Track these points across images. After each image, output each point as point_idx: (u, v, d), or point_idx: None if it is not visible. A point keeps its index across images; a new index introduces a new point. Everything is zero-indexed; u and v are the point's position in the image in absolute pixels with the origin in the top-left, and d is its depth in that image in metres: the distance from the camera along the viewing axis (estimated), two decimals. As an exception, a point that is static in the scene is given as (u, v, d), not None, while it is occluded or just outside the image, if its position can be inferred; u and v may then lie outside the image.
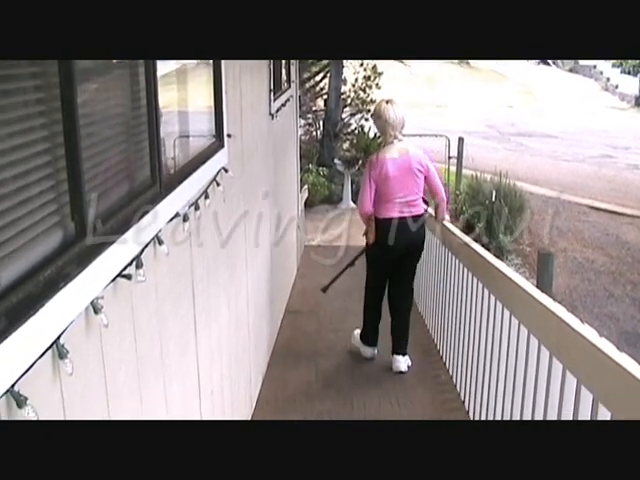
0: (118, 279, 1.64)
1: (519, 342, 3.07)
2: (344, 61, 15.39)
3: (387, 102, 4.69)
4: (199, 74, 3.03)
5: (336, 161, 14.20)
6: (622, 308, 10.12)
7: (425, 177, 4.61)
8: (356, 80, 16.03)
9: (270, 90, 5.17)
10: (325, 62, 16.51)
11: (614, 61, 35.77)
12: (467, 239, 4.58)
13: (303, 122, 15.82)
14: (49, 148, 1.42)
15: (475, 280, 4.10)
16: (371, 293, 5.06)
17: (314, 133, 16.37)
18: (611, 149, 21.32)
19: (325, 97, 16.00)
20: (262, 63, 4.82)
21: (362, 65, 15.91)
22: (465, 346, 4.36)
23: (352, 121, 15.93)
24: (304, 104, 15.38)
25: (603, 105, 32.76)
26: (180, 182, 2.22)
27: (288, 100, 6.72)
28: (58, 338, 1.29)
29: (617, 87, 34.92)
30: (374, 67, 15.89)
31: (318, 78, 16.98)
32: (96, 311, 1.46)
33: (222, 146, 2.98)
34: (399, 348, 4.90)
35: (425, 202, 4.76)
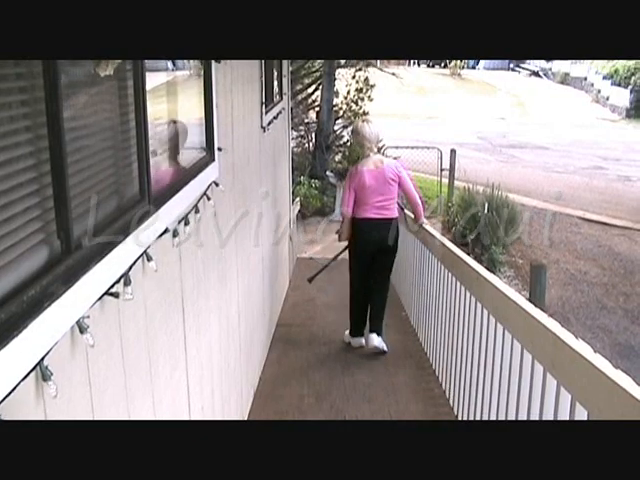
0: (105, 297, 1.60)
1: (512, 357, 3.05)
2: (336, 73, 15.42)
3: (363, 120, 5.55)
4: (190, 86, 3.01)
5: (328, 173, 14.21)
6: (615, 320, 10.11)
7: (399, 184, 5.29)
8: (348, 92, 16.06)
9: (262, 103, 5.15)
10: (317, 74, 16.55)
11: (605, 73, 35.95)
12: (456, 249, 4.62)
13: (295, 134, 15.82)
14: (34, 164, 1.39)
15: (467, 293, 4.08)
16: (354, 289, 5.68)
17: (306, 145, 16.36)
18: (602, 160, 21.39)
19: (317, 109, 16.00)
20: (254, 75, 4.80)
21: (354, 77, 15.94)
22: (458, 360, 4.33)
23: (344, 133, 15.94)
24: (296, 116, 15.38)
25: (594, 117, 32.91)
26: (170, 197, 2.19)
27: (280, 112, 6.70)
28: (42, 360, 1.26)
29: (608, 99, 35.07)
30: (366, 79, 15.93)
31: (310, 90, 17.00)
32: (82, 331, 1.43)
33: (213, 160, 2.96)
34: (374, 327, 5.55)
35: (400, 207, 5.65)
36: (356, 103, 15.93)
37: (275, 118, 6.11)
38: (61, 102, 1.40)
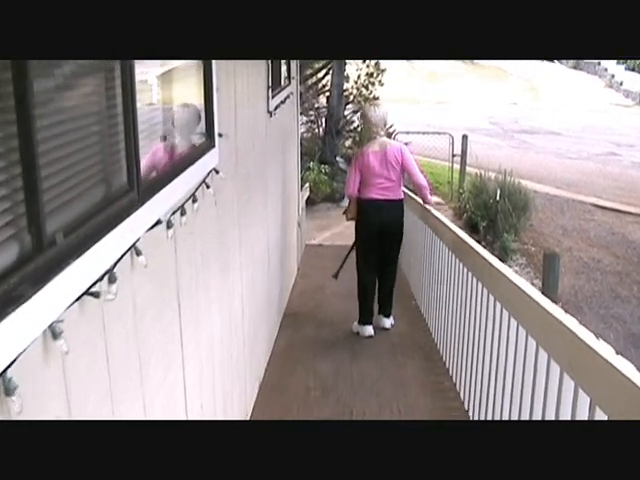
0: (86, 297, 1.47)
1: (527, 354, 2.91)
2: (346, 57, 15.21)
3: (371, 104, 6.16)
4: (189, 69, 2.86)
5: (338, 159, 14.03)
6: (629, 309, 9.93)
7: (402, 166, 5.39)
8: (358, 77, 15.83)
9: (268, 87, 5.00)
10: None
11: (619, 58, 35.54)
12: (467, 238, 4.48)
13: (305, 119, 15.63)
14: (1, 153, 1.25)
15: (480, 285, 3.92)
16: (362, 274, 5.72)
17: (316, 130, 16.17)
18: (615, 146, 21.12)
19: (327, 94, 15.79)
20: (259, 59, 4.65)
21: (364, 62, 15.71)
22: (469, 353, 4.19)
23: (354, 118, 15.73)
24: (306, 101, 15.19)
25: (607, 102, 32.55)
26: (162, 186, 2.05)
27: (288, 97, 6.54)
28: (4, 371, 1.13)
29: (622, 84, 34.69)
30: (377, 64, 15.70)
31: (320, 75, 16.77)
32: (55, 336, 1.30)
33: (213, 146, 2.81)
34: (384, 311, 5.80)
35: (406, 190, 5.88)
36: (367, 88, 15.70)
37: (283, 102, 5.96)
38: (30, 83, 1.26)
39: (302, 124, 15.33)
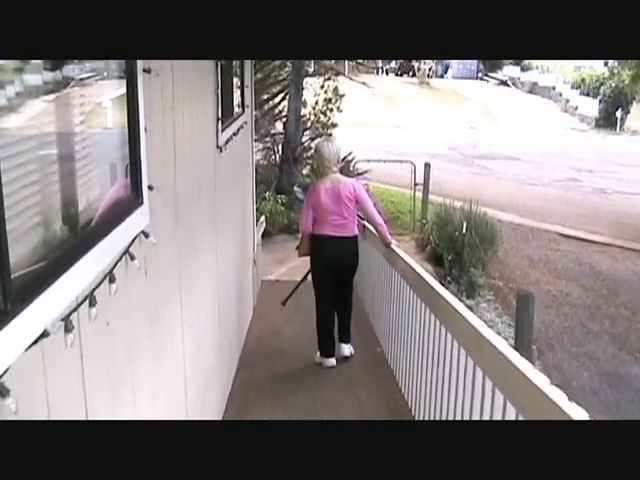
0: None
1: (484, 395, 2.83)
2: (304, 82, 14.72)
3: (325, 140, 5.83)
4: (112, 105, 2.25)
5: (295, 188, 13.47)
6: (601, 346, 9.50)
7: (357, 203, 5.36)
8: (316, 103, 15.35)
9: (218, 119, 4.40)
10: (284, 83, 15.83)
11: (573, 82, 35.81)
12: (434, 282, 4.18)
13: (261, 146, 15.08)
14: None
15: (451, 337, 3.56)
16: (320, 308, 5.67)
17: (273, 157, 15.61)
18: (576, 172, 20.99)
19: (284, 120, 15.26)
20: (207, 87, 4.06)
21: (323, 87, 15.24)
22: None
23: (312, 145, 15.22)
24: (262, 127, 14.65)
25: (564, 127, 32.75)
26: (53, 280, 1.43)
27: (242, 127, 5.96)
28: None
29: (577, 109, 34.96)
30: (335, 89, 15.24)
31: (277, 100, 16.26)
32: None
33: (140, 203, 2.19)
34: (343, 337, 5.81)
35: (360, 226, 5.89)
36: (325, 114, 15.23)
37: (235, 134, 5.37)
38: None
39: (258, 151, 14.77)
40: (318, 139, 14.87)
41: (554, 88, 37.94)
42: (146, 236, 2.25)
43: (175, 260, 2.97)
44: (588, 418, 2.00)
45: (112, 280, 1.90)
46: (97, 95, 2.09)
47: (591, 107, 33.59)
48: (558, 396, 2.14)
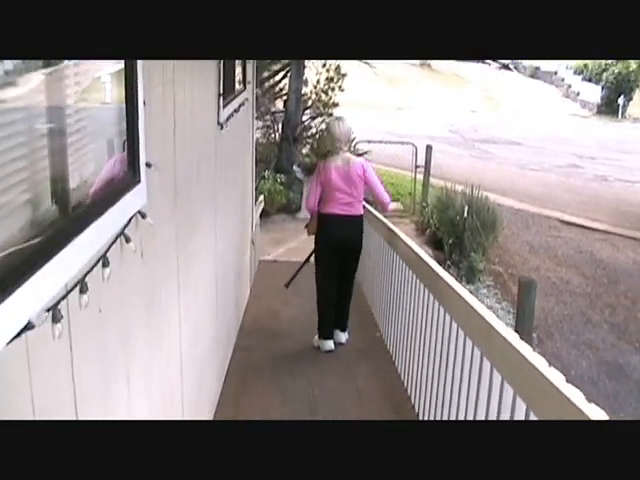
0: None
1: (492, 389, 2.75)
2: (306, 61, 14.50)
3: (336, 119, 5.64)
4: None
5: (295, 168, 13.30)
6: (600, 335, 9.42)
7: (365, 182, 5.35)
8: (318, 82, 15.13)
9: (219, 94, 4.25)
10: (286, 61, 15.61)
11: (576, 68, 35.57)
12: (434, 265, 4.17)
13: (261, 124, 14.89)
14: None
15: (451, 320, 3.53)
16: (322, 290, 5.65)
17: (272, 135, 15.42)
18: (577, 158, 20.85)
19: (285, 98, 15.05)
20: (208, 63, 3.90)
21: (325, 66, 15.02)
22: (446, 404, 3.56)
23: (312, 124, 15.03)
24: (262, 105, 14.45)
25: (565, 112, 32.56)
26: (35, 269, 1.29)
27: (243, 104, 5.80)
28: None
29: (579, 94, 34.75)
30: (337, 68, 15.02)
31: (278, 78, 16.04)
32: None
33: (137, 181, 2.05)
34: (340, 325, 5.80)
35: (365, 205, 5.86)
36: (326, 93, 15.02)
37: (236, 111, 5.22)
38: None
39: (257, 129, 14.58)
40: (319, 118, 14.74)
41: (556, 73, 37.69)
42: (143, 217, 2.11)
43: (173, 241, 2.84)
44: (608, 418, 1.90)
45: (106, 264, 1.76)
46: (95, 70, 1.95)
47: (593, 93, 33.38)
48: (577, 397, 2.02)
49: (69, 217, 1.57)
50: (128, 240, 1.95)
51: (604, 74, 32.83)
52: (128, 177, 2.02)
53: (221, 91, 4.28)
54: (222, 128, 4.40)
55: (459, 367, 3.29)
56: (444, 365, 3.63)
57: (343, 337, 5.79)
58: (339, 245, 5.41)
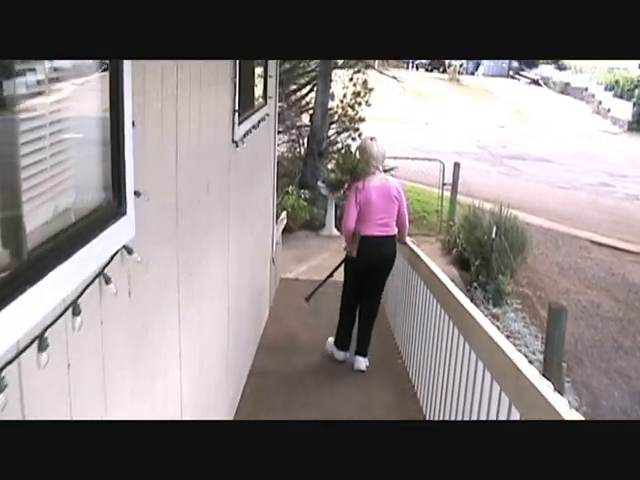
0: None
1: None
2: (333, 74, 14.28)
3: (371, 139, 5.55)
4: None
5: (320, 184, 13.00)
6: (633, 363, 9.02)
7: (399, 204, 5.40)
8: (344, 96, 14.90)
9: (234, 110, 4.02)
10: (312, 75, 15.42)
11: (607, 84, 35.05)
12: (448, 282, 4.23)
13: (286, 138, 14.68)
14: None
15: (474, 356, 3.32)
16: (346, 302, 5.68)
17: (298, 150, 15.20)
18: (608, 176, 20.37)
19: (311, 112, 14.83)
20: (221, 75, 3.67)
21: (352, 79, 14.79)
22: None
23: (338, 139, 14.78)
24: (288, 118, 14.25)
25: (595, 129, 32.00)
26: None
27: (263, 119, 5.57)
28: None
29: (609, 111, 34.17)
30: (364, 82, 14.78)
31: (305, 91, 15.85)
32: None
33: (122, 213, 1.80)
34: (361, 350, 5.66)
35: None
36: (352, 108, 14.77)
37: (255, 127, 4.98)
38: None
39: (283, 143, 14.38)
40: (344, 133, 14.49)
41: (587, 89, 37.14)
42: (129, 252, 1.86)
43: (173, 270, 2.59)
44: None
45: (76, 312, 1.52)
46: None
47: (624, 110, 32.80)
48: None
49: (23, 262, 1.32)
50: (108, 282, 1.70)
51: (636, 90, 32.27)
52: (111, 208, 1.78)
53: (236, 107, 4.04)
54: (237, 146, 4.16)
55: (484, 414, 3.00)
56: (468, 409, 3.34)
57: (363, 364, 5.63)
58: (375, 264, 5.45)
